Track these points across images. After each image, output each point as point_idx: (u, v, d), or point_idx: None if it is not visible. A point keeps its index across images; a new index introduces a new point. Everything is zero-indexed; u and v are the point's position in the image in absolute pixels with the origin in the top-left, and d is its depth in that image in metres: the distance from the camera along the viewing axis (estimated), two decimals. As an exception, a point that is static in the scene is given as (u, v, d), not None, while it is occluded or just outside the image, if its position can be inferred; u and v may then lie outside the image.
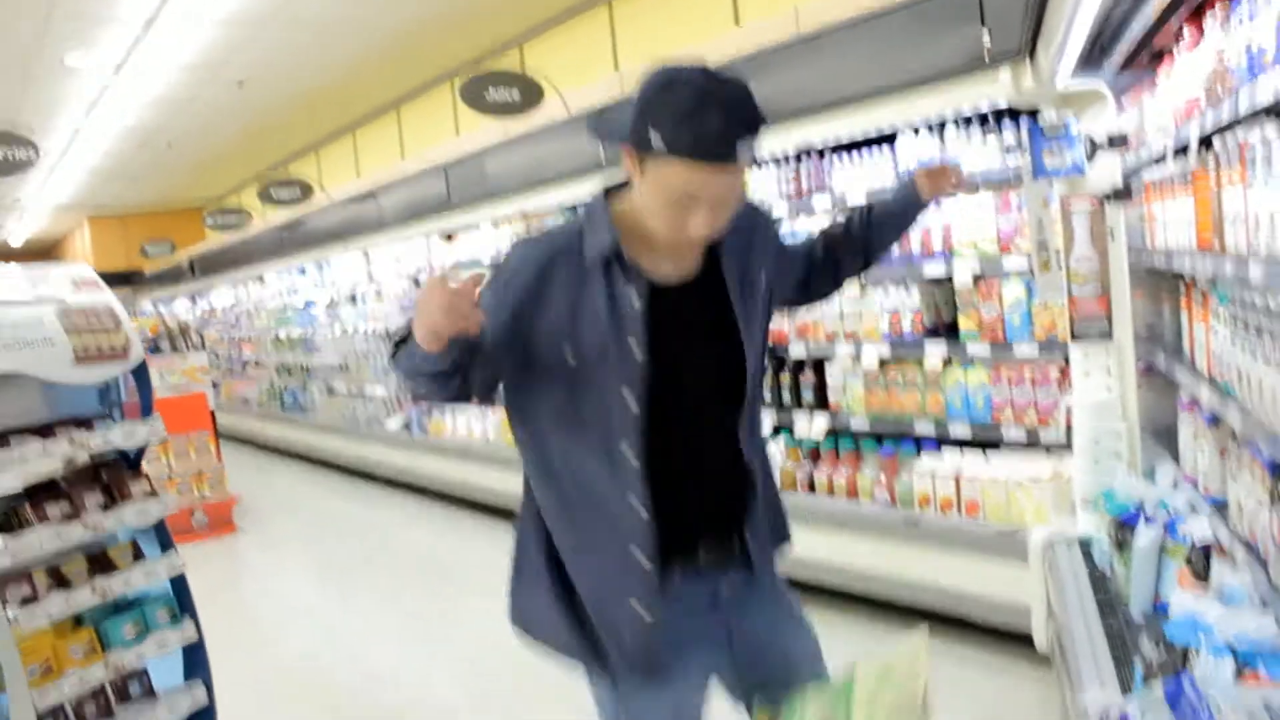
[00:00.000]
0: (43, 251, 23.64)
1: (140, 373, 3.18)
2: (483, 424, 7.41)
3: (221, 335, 13.82)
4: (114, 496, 3.06)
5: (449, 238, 8.02)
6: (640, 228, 1.87)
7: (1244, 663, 2.18)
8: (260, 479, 10.07)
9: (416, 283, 8.41)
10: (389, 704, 4.19)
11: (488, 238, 7.36)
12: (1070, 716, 2.73)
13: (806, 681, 1.96)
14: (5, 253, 22.34)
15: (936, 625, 4.23)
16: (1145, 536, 2.93)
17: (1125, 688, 2.47)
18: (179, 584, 3.23)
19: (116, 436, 3.04)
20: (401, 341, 1.80)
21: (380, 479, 8.97)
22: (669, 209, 1.79)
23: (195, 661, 3.23)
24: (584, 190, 5.95)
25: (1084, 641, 2.82)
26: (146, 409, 3.20)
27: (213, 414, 8.25)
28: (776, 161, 4.94)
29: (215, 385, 13.88)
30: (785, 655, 2.05)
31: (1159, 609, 2.89)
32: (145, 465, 7.59)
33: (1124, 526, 3.09)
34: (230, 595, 6.37)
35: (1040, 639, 3.67)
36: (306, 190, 10.95)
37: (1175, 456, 3.27)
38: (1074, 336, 3.61)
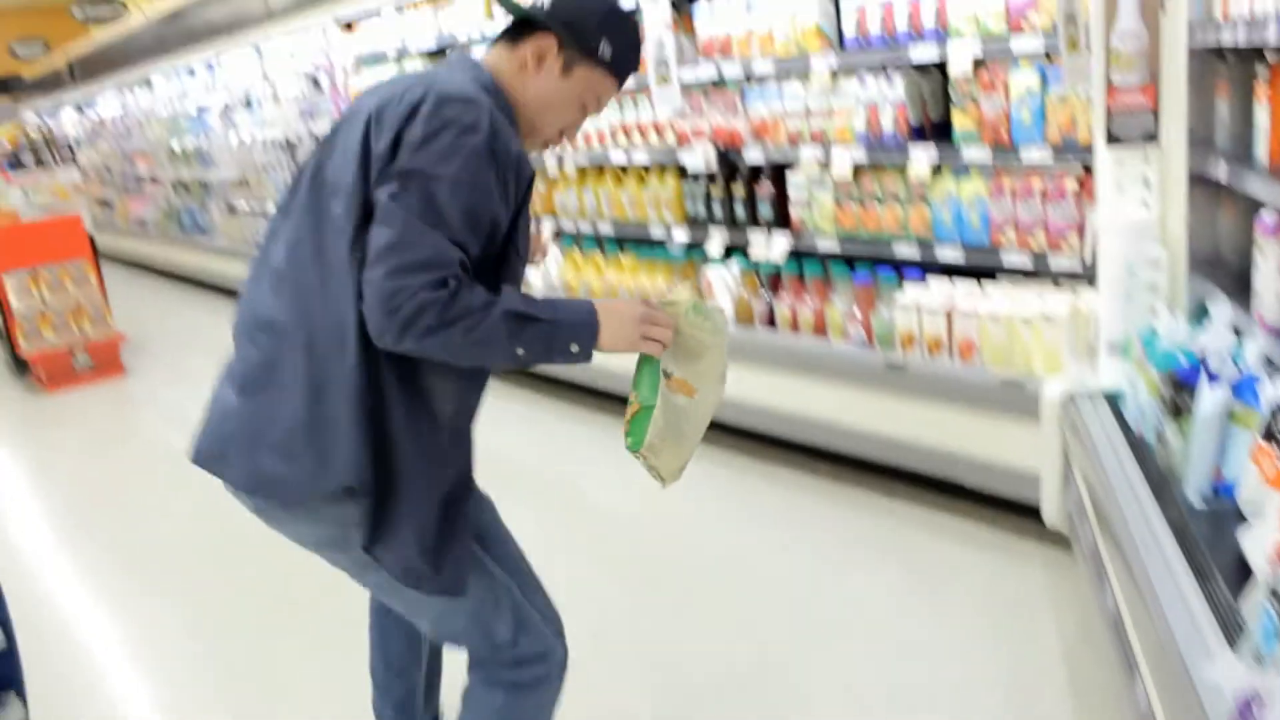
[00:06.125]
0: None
1: None
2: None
3: (114, 148, 12.55)
4: None
5: (348, 27, 6.94)
6: (520, 117, 1.87)
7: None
8: (156, 312, 9.16)
9: (316, 83, 7.35)
10: (297, 574, 3.52)
11: (391, 26, 6.31)
12: (1125, 620, 2.15)
13: None
14: None
15: (923, 491, 3.60)
16: (1211, 400, 2.23)
17: (1215, 612, 1.82)
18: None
19: None
20: (528, 318, 1.69)
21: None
22: (574, 111, 1.91)
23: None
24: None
25: (1145, 538, 2.15)
26: None
27: (91, 239, 7.26)
28: (726, -80, 3.98)
29: (108, 205, 12.74)
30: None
31: (1222, 491, 2.24)
32: (14, 301, 6.82)
33: (1180, 385, 2.40)
34: (117, 449, 5.60)
35: (1051, 513, 3.03)
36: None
37: (1229, 293, 2.58)
38: (1111, 139, 2.81)
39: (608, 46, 1.84)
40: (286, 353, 1.72)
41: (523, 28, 1.85)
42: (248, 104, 8.69)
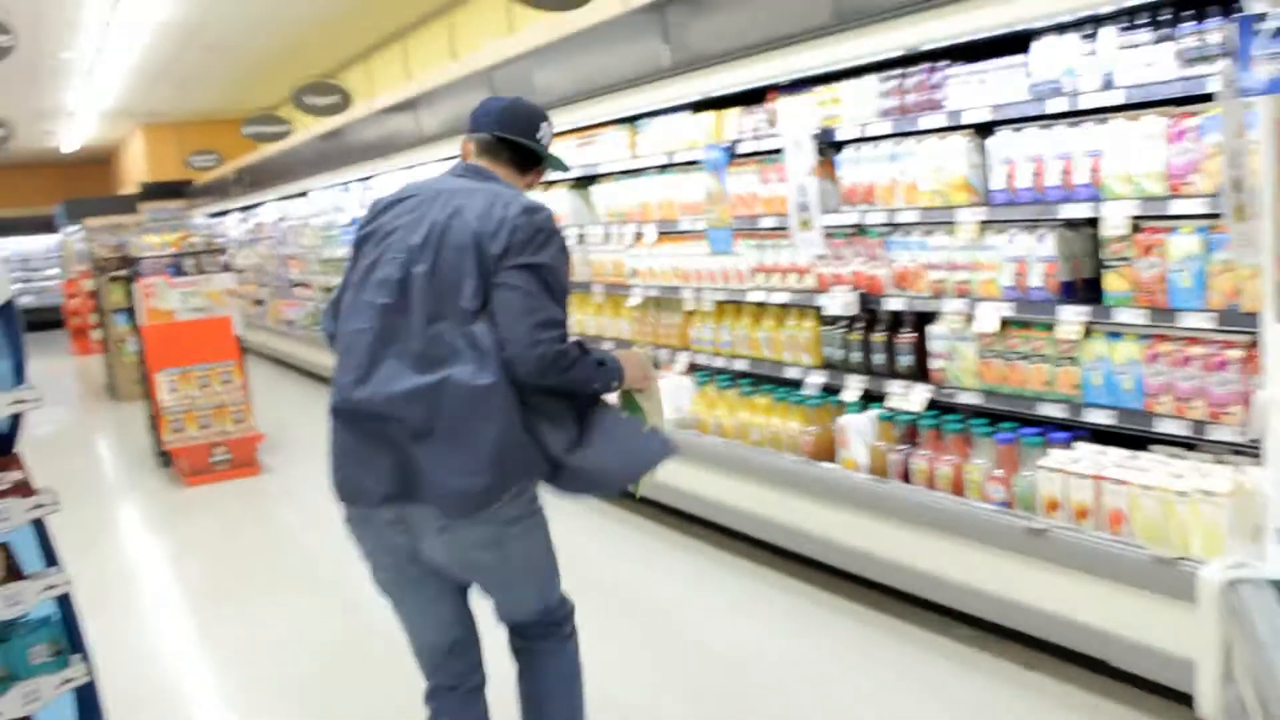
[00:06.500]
0: (98, 159, 23.25)
1: (7, 320, 2.38)
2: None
3: (270, 251, 13.20)
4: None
5: (497, 154, 7.18)
6: None
7: None
8: (296, 410, 9.45)
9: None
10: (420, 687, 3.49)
11: (538, 155, 6.51)
12: None
13: None
14: (56, 160, 21.96)
15: (1064, 664, 3.41)
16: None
17: None
18: (67, 606, 2.47)
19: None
20: (601, 364, 2.48)
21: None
22: None
23: (90, 709, 2.49)
24: (647, 100, 5.07)
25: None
26: (17, 369, 2.42)
27: (240, 340, 7.59)
28: (875, 70, 4.00)
29: (260, 303, 13.32)
30: None
31: None
32: (164, 397, 7.12)
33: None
34: (241, 545, 5.74)
35: (1207, 706, 2.81)
36: (345, 98, 10.13)
37: None
38: (1282, 312, 2.67)
39: (556, 165, 2.74)
40: (447, 403, 2.30)
41: (497, 144, 2.62)
42: (397, 219, 9.02)
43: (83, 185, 21.69)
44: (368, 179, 9.62)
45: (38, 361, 13.53)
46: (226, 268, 7.85)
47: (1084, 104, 3.27)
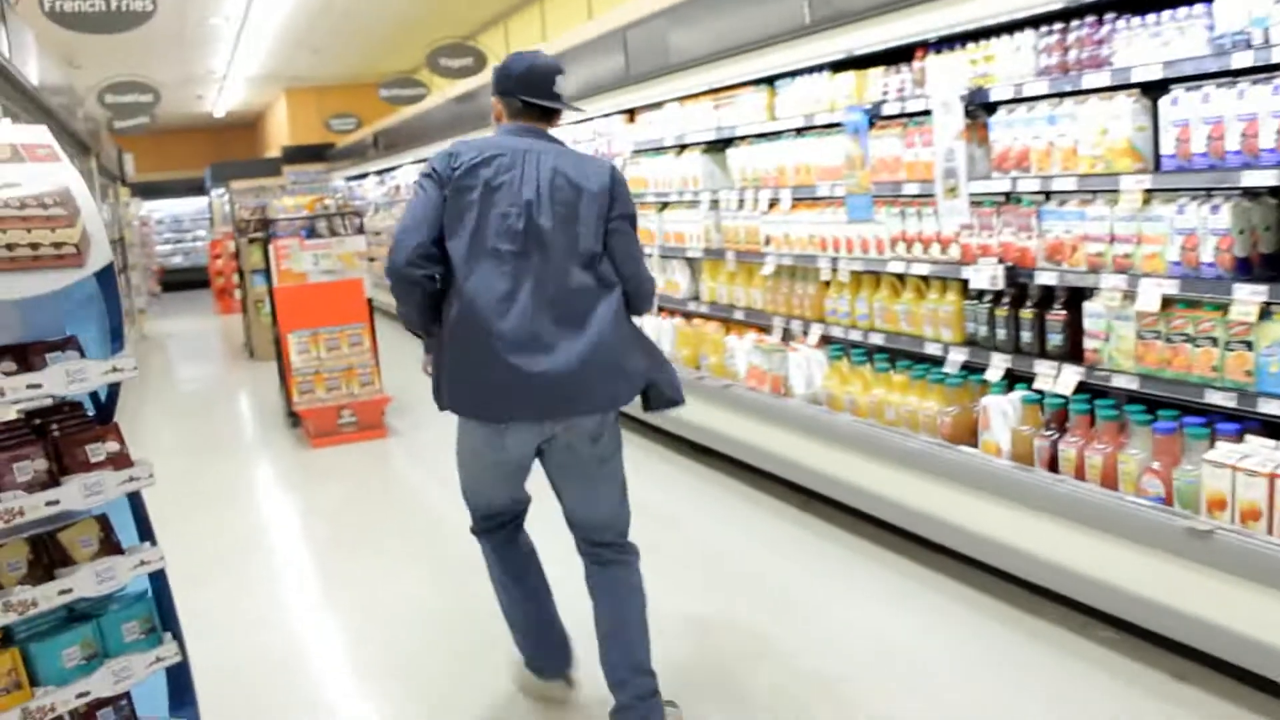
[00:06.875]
0: (245, 124, 23.99)
1: (107, 284, 2.32)
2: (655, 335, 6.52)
3: (405, 215, 13.36)
4: (63, 462, 2.24)
5: (630, 117, 7.06)
6: None
7: None
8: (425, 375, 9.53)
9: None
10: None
11: (671, 118, 6.35)
12: None
13: None
14: (207, 124, 22.73)
15: (1222, 679, 3.11)
16: None
17: None
18: (160, 583, 2.42)
19: (53, 379, 2.17)
20: None
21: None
22: None
23: (181, 688, 2.44)
24: (786, 59, 4.84)
25: None
26: (115, 336, 2.37)
27: (370, 304, 7.64)
28: (1032, 24, 3.70)
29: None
30: None
31: None
32: (294, 358, 7.21)
33: None
34: (365, 507, 5.77)
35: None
36: (480, 60, 10.12)
37: None
38: None
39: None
40: (579, 329, 2.75)
41: (525, 106, 2.91)
42: (527, 183, 8.98)
43: (231, 149, 22.46)
44: (500, 143, 9.60)
45: (184, 319, 14.07)
46: (360, 230, 7.91)
47: (1275, 58, 2.94)
